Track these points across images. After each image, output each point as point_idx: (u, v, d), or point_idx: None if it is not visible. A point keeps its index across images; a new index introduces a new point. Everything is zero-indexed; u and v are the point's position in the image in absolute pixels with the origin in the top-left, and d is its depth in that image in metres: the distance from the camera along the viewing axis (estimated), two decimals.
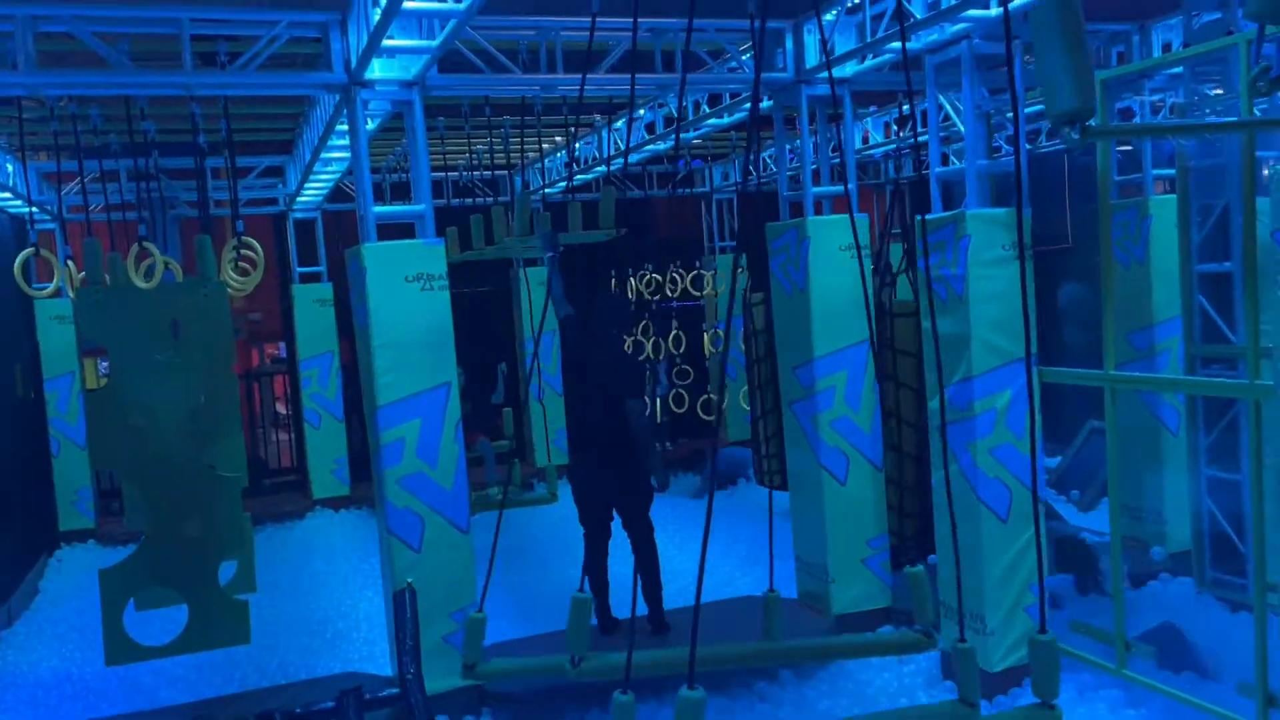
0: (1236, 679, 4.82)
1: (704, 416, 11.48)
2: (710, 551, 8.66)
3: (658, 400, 10.83)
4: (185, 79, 5.20)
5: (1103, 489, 9.24)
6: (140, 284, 5.94)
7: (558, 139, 11.06)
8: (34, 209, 9.74)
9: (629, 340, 10.43)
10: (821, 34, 5.79)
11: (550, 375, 12.41)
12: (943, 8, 5.06)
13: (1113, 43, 7.20)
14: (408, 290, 5.44)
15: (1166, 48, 7.03)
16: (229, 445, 6.79)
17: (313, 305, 11.64)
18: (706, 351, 11.94)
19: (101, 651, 7.48)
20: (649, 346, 10.67)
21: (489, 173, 11.83)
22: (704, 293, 11.78)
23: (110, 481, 12.32)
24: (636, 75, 6.16)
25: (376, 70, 5.33)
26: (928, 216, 5.55)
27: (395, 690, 5.02)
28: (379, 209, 5.49)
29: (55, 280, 6.42)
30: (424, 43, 5.05)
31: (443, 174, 11.48)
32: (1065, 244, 11.73)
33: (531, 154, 11.59)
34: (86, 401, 6.18)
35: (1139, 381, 5.27)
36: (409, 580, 5.49)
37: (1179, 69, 6.36)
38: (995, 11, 5.09)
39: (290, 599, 8.60)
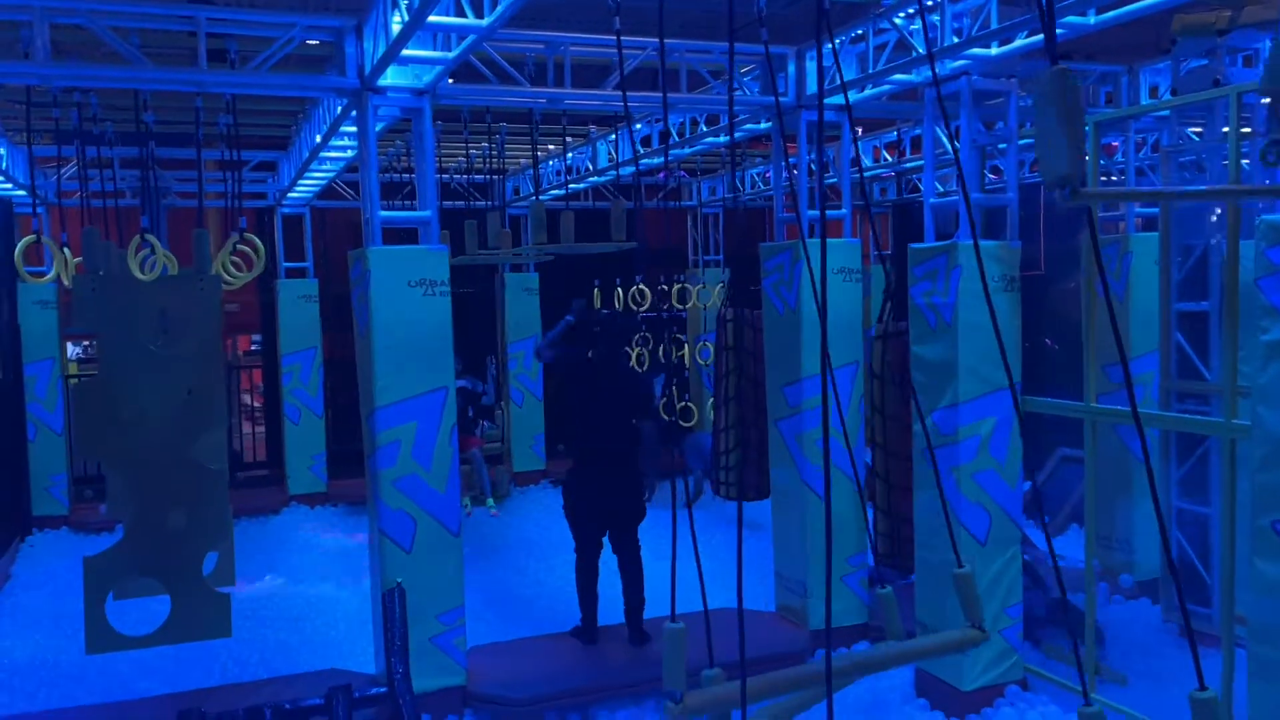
0: None
1: (682, 424, 11.60)
2: (686, 564, 8.75)
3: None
4: (200, 77, 5.25)
5: (1071, 515, 9.47)
6: (140, 276, 5.96)
7: (550, 147, 11.18)
8: (28, 195, 9.73)
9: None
10: (823, 62, 5.95)
11: (530, 380, 12.51)
12: (945, 45, 5.21)
13: (1102, 83, 7.41)
14: (410, 295, 5.51)
15: (1154, 90, 7.25)
16: (213, 438, 6.83)
17: (298, 301, 11.64)
18: (687, 362, 12.07)
19: (77, 639, 7.51)
20: (634, 356, 10.82)
21: (479, 177, 11.91)
22: (688, 305, 11.93)
23: (84, 469, 12.27)
24: (641, 93, 6.31)
25: (389, 77, 5.40)
26: (920, 245, 5.71)
27: (383, 689, 5.08)
28: (385, 213, 5.56)
29: (55, 268, 6.43)
30: (440, 54, 5.14)
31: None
32: (1038, 270, 11.98)
33: (524, 160, 11.70)
34: (75, 391, 6.19)
35: (1120, 416, 5.46)
36: (398, 580, 5.56)
37: (1166, 112, 6.57)
38: (995, 51, 5.25)
39: (267, 594, 8.61)
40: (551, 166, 11.64)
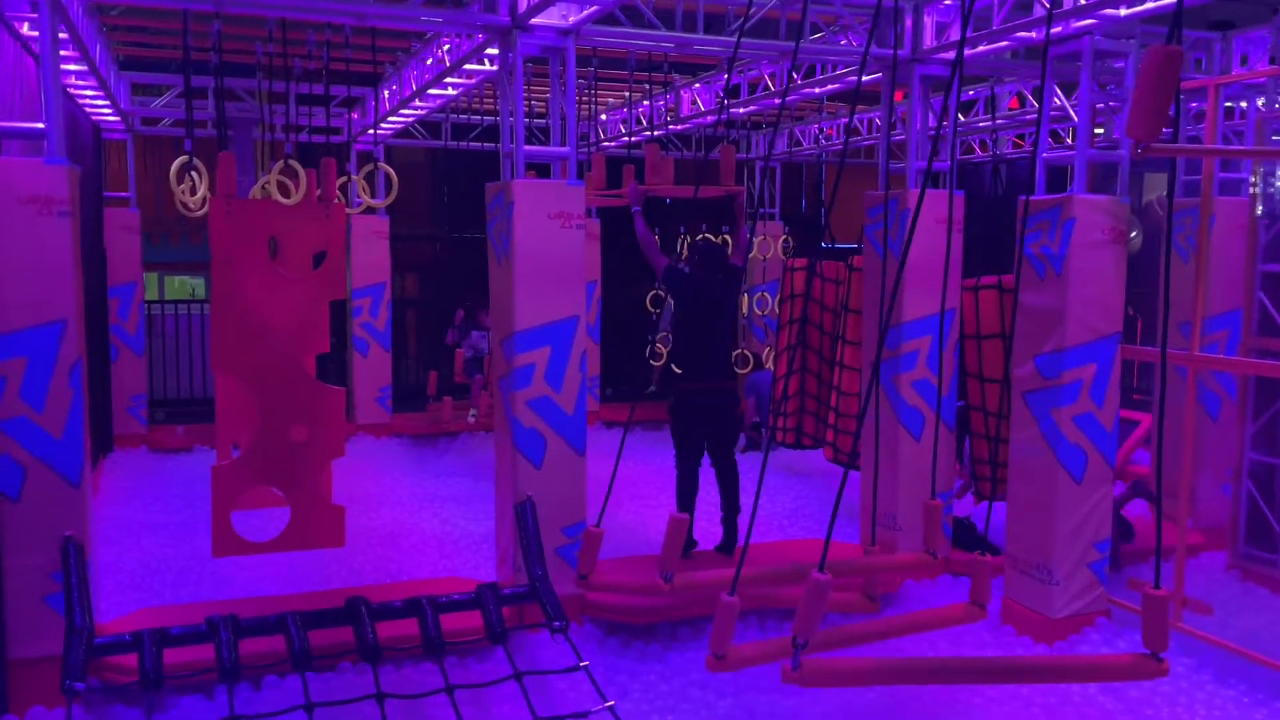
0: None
1: (739, 370, 11.93)
2: (760, 503, 9.01)
3: None
4: (359, 8, 5.51)
5: None
6: (284, 200, 6.25)
7: (624, 94, 11.41)
8: (115, 120, 9.98)
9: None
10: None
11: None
12: (1076, 5, 5.46)
13: (1193, 49, 7.64)
14: (549, 227, 5.80)
15: (1244, 59, 7.48)
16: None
17: (370, 237, 11.95)
18: (744, 311, 12.39)
19: (178, 546, 7.89)
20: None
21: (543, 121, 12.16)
22: (750, 255, 12.20)
23: (163, 391, 12.67)
24: (757, 40, 6.58)
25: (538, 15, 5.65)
26: (1034, 198, 5.99)
27: (524, 588, 5.45)
28: (528, 148, 5.83)
29: (201, 190, 6.72)
30: None
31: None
32: None
33: (600, 106, 11.93)
34: (212, 306, 6.47)
35: (1220, 363, 5.81)
36: (528, 495, 5.92)
37: (1264, 80, 6.82)
38: (1124, 11, 5.49)
39: (353, 514, 8.96)
40: (621, 114, 11.89)
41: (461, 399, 12.06)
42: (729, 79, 5.87)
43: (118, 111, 9.65)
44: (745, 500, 7.30)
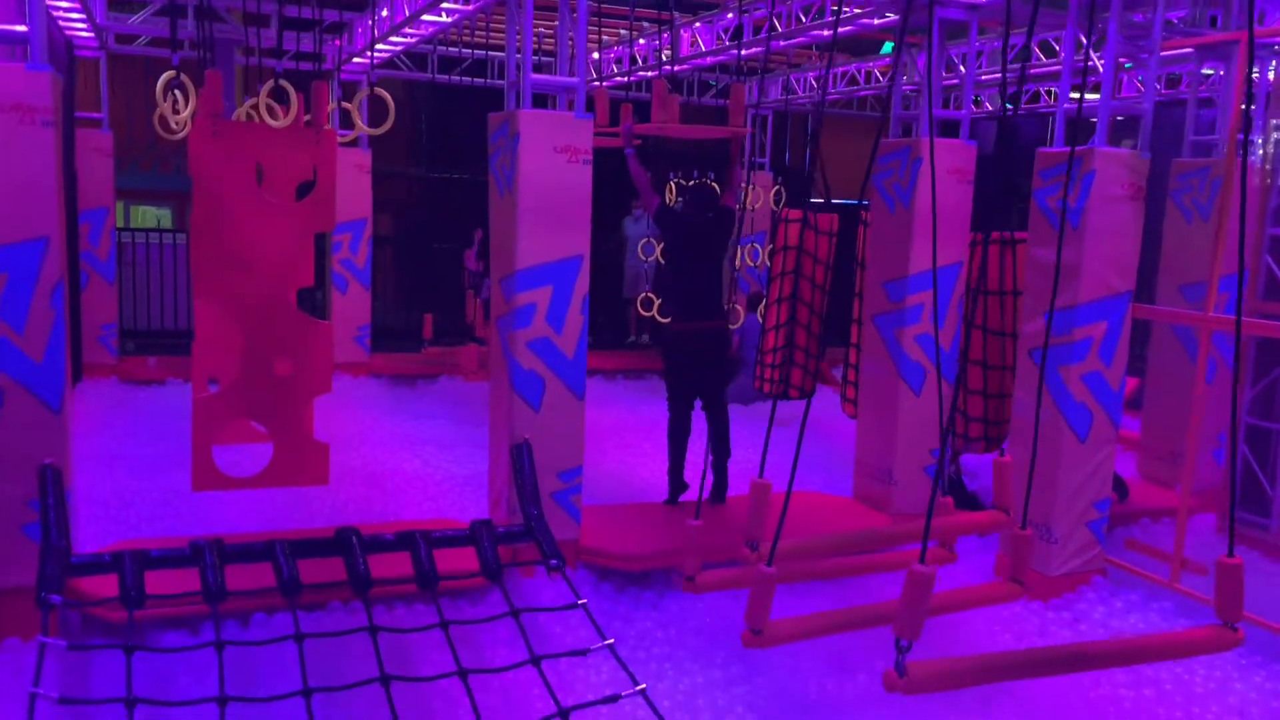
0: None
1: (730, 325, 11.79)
2: (750, 456, 9.02)
3: None
4: None
5: None
6: (273, 122, 5.97)
7: (621, 32, 11.12)
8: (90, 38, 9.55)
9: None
10: None
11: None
12: None
13: (1209, 6, 7.47)
14: (555, 161, 5.58)
15: (1260, 16, 7.32)
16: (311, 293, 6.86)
17: (351, 170, 11.59)
18: (738, 263, 12.19)
19: (153, 479, 7.67)
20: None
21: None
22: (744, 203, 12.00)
23: (132, 321, 12.32)
24: None
25: None
26: (1050, 150, 5.85)
27: (520, 527, 5.31)
28: (536, 76, 5.59)
29: (188, 109, 6.41)
30: None
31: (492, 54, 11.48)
32: None
33: (592, 44, 11.62)
34: (193, 232, 6.20)
35: (1232, 323, 5.70)
36: (525, 438, 5.76)
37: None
38: None
39: (334, 453, 8.76)
40: (613, 54, 11.59)
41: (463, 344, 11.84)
42: (762, 10, 5.62)
43: (92, 26, 9.23)
44: (736, 450, 7.26)
